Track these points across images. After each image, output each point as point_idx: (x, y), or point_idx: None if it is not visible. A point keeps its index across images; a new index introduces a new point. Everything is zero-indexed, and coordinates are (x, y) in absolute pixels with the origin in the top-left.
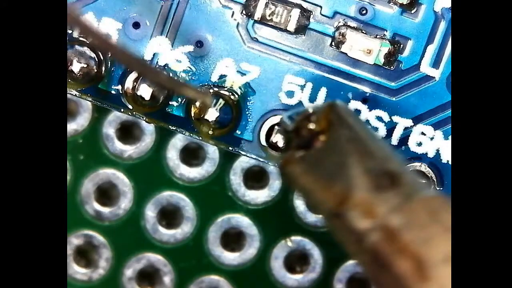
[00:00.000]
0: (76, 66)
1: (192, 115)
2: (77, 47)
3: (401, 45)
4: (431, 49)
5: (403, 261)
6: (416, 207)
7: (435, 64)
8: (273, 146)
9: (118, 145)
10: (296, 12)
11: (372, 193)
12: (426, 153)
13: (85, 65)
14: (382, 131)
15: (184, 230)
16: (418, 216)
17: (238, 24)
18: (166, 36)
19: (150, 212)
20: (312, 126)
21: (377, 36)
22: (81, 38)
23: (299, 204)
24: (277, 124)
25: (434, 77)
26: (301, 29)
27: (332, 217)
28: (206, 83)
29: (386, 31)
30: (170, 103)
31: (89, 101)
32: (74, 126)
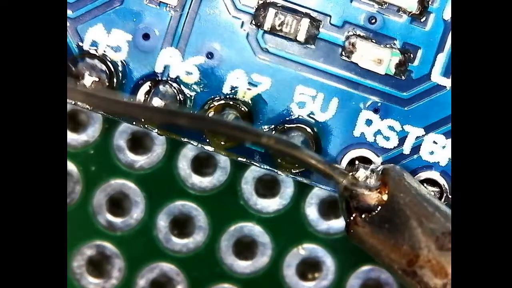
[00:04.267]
0: (87, 80)
1: None
2: (88, 60)
3: (411, 54)
4: (442, 58)
5: None
6: None
7: (446, 73)
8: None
9: (129, 156)
10: (305, 22)
11: (438, 253)
12: (438, 162)
13: (97, 79)
14: (394, 140)
15: (196, 239)
16: None
17: (248, 34)
18: (177, 47)
19: (162, 222)
20: (372, 193)
21: (387, 46)
22: (91, 51)
23: (311, 212)
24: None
25: (445, 86)
26: (311, 39)
27: (406, 275)
28: (217, 95)
29: (396, 40)
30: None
31: (101, 114)
32: (85, 137)
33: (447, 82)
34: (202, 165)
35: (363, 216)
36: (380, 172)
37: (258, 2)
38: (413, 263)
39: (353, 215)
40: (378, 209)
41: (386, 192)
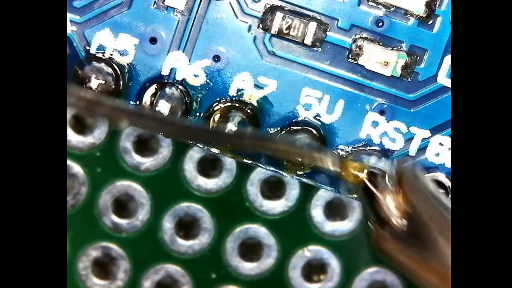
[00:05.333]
0: (94, 83)
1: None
2: (94, 63)
3: (418, 57)
4: (448, 60)
5: None
6: None
7: None
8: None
9: (135, 158)
10: (313, 26)
11: None
12: (444, 164)
13: (103, 82)
14: (400, 142)
15: (201, 241)
16: None
17: (255, 38)
18: (183, 51)
19: (168, 224)
20: (388, 196)
21: (394, 48)
22: (98, 55)
23: (316, 214)
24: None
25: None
26: (318, 42)
27: None
28: (223, 97)
29: (403, 42)
30: (189, 117)
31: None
32: (91, 139)
33: None
34: (208, 167)
35: (385, 228)
36: (395, 173)
37: (265, 6)
38: (445, 280)
39: (376, 228)
40: (404, 222)
41: (402, 193)
